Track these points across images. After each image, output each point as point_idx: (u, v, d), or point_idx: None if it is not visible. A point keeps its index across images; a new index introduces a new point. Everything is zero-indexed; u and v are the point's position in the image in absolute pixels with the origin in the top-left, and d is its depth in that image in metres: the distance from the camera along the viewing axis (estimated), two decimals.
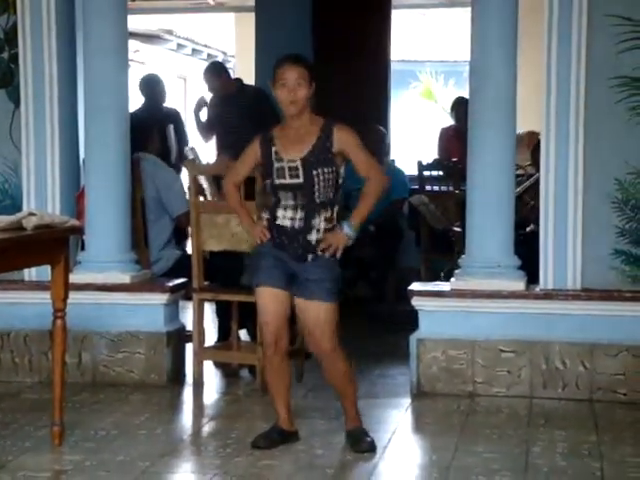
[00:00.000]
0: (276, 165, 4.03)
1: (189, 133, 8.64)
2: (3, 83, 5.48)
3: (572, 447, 4.18)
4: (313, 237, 4.02)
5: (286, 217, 4.02)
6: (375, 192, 4.07)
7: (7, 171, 5.49)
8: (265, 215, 4.10)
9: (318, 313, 4.01)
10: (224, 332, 5.61)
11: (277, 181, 4.03)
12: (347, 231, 4.03)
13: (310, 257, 4.02)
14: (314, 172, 3.98)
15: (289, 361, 4.23)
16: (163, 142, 6.64)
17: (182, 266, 5.41)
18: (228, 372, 5.48)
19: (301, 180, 3.99)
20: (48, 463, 3.98)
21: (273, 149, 4.04)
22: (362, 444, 4.10)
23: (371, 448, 4.10)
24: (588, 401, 4.88)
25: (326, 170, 3.99)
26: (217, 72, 7.65)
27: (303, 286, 4.02)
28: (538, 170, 6.42)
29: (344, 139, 4.02)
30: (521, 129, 5.46)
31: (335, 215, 4.05)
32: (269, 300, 4.06)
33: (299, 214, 4.01)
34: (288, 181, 4.01)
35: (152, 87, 8.23)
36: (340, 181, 4.05)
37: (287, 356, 4.18)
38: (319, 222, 4.02)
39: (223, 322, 5.65)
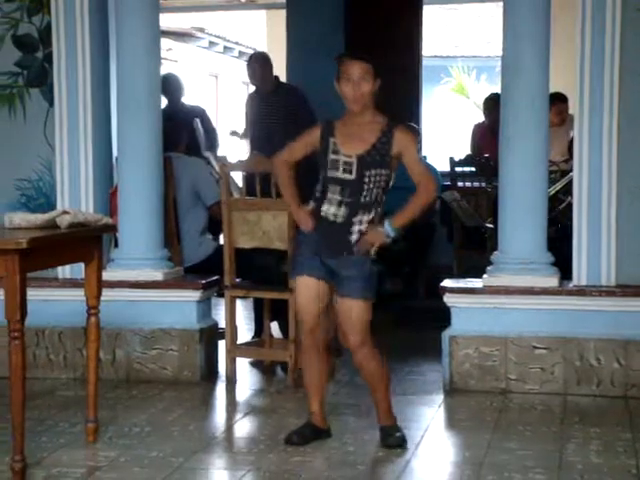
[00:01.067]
0: (331, 157, 4.01)
1: (217, 129, 8.65)
2: (37, 82, 5.52)
3: (607, 444, 4.15)
4: (354, 237, 4.02)
5: (329, 212, 4.01)
6: (423, 201, 4.05)
7: (41, 169, 5.54)
8: (311, 204, 4.08)
9: (349, 309, 4.02)
10: (260, 326, 5.63)
11: (329, 173, 4.01)
12: (387, 230, 4.01)
13: (345, 253, 4.02)
14: (367, 172, 3.97)
15: (327, 355, 4.22)
16: (191, 136, 6.67)
17: (221, 257, 5.43)
18: (264, 369, 5.49)
19: (353, 177, 3.98)
20: (83, 459, 4.01)
21: (332, 140, 4.02)
22: (391, 439, 4.11)
23: (400, 443, 4.10)
24: (623, 398, 4.84)
25: (380, 172, 3.98)
26: (262, 63, 7.61)
27: (338, 282, 4.04)
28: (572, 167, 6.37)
29: (404, 142, 4.00)
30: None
31: (377, 218, 4.04)
32: (307, 289, 4.06)
33: (342, 211, 4.00)
34: (340, 175, 3.99)
35: (173, 86, 8.25)
36: (390, 183, 4.04)
37: (325, 349, 4.17)
38: (361, 222, 4.00)
39: (259, 317, 5.66)
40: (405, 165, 4.03)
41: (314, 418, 4.18)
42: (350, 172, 3.99)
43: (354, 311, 4.02)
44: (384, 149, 3.98)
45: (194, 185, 5.70)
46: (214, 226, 5.94)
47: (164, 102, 8.04)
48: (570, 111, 5.12)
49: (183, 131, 6.04)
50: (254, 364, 5.58)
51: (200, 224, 5.74)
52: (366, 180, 3.98)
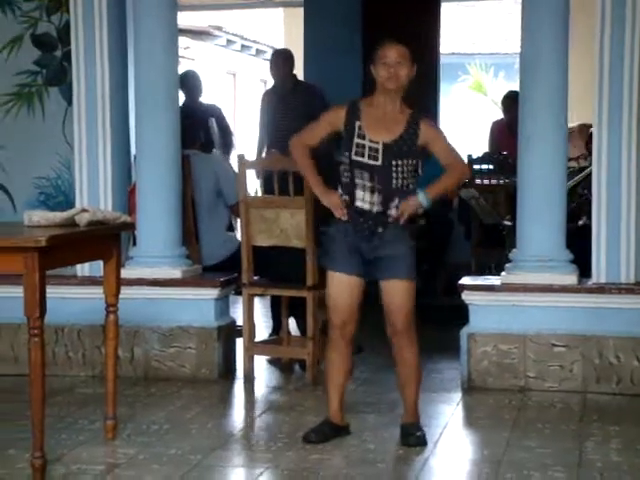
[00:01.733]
0: (356, 140, 4.00)
1: (233, 127, 8.66)
2: (56, 81, 5.55)
3: (626, 443, 4.13)
4: (392, 212, 4.01)
5: (365, 200, 3.99)
6: (457, 175, 4.12)
7: (60, 168, 5.56)
8: (343, 195, 4.04)
9: (395, 291, 4.01)
10: (278, 324, 5.63)
11: (355, 157, 4.00)
12: (422, 199, 4.01)
13: (380, 229, 3.99)
14: (394, 161, 3.97)
15: (352, 353, 4.22)
16: (206, 135, 6.68)
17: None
18: (282, 367, 5.49)
19: (379, 163, 3.98)
20: (102, 456, 4.03)
21: (357, 123, 4.01)
22: (411, 438, 4.09)
23: (420, 442, 4.09)
24: None
25: (406, 161, 3.99)
26: (283, 60, 7.60)
27: (379, 266, 4.02)
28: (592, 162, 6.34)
29: (430, 134, 4.03)
30: (573, 122, 5.40)
31: None
32: (340, 285, 4.05)
33: (377, 198, 3.99)
34: (366, 161, 3.98)
35: (193, 83, 8.26)
36: (420, 172, 4.06)
37: (351, 345, 4.16)
38: (397, 207, 4.00)
39: (277, 314, 5.67)
40: (435, 155, 4.05)
41: (333, 415, 4.18)
42: (376, 159, 3.98)
43: (400, 292, 4.01)
44: (411, 140, 3.99)
45: (215, 183, 5.70)
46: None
47: (182, 98, 8.08)
48: (589, 109, 5.09)
49: (200, 129, 6.05)
50: (272, 362, 5.58)
51: (223, 222, 5.75)
52: (394, 169, 3.98)
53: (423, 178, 4.14)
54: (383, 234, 4.01)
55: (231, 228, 5.98)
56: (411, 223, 4.08)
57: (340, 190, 4.07)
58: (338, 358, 4.14)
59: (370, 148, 3.98)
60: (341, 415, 4.20)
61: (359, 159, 3.99)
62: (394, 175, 3.98)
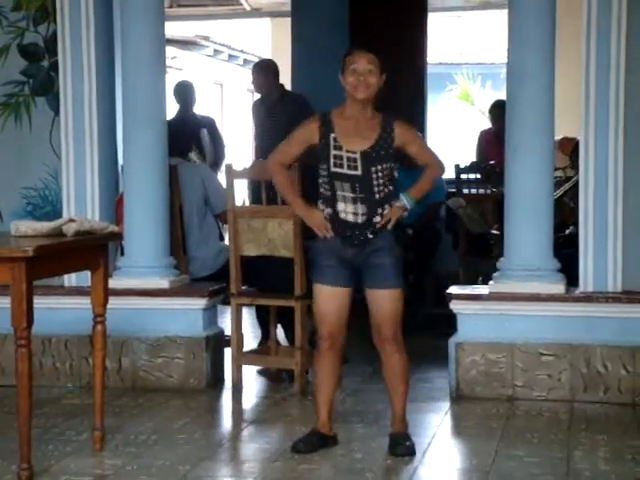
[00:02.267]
0: (334, 152, 3.99)
1: (225, 139, 8.67)
2: (43, 91, 5.54)
3: (615, 452, 4.14)
4: (377, 219, 4.01)
5: (348, 211, 4.00)
6: (434, 174, 4.12)
7: (47, 178, 5.55)
8: (325, 209, 4.04)
9: (383, 300, 4.02)
10: (267, 330, 5.61)
11: (334, 169, 3.99)
12: (404, 202, 4.02)
13: (370, 235, 3.99)
14: (372, 168, 3.97)
15: (341, 364, 4.22)
16: (197, 146, 6.68)
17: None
18: (271, 377, 5.48)
19: (359, 172, 3.97)
20: (89, 467, 4.01)
21: (332, 135, 4.01)
22: (400, 448, 4.09)
23: (409, 452, 4.08)
24: (631, 405, 4.83)
25: (385, 166, 3.99)
26: (263, 71, 7.61)
27: (366, 275, 4.03)
28: (577, 172, 6.37)
29: (405, 135, 4.03)
30: (559, 131, 5.42)
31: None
32: (327, 297, 4.05)
33: (360, 208, 3.99)
34: (346, 171, 3.98)
35: (188, 93, 8.27)
36: (396, 175, 4.05)
37: (339, 356, 4.16)
38: (382, 215, 4.01)
39: (263, 321, 5.64)
40: (411, 155, 4.06)
41: (321, 425, 4.17)
42: (355, 168, 3.98)
43: (388, 301, 4.01)
44: (387, 143, 3.99)
45: (203, 192, 5.69)
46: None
47: (176, 108, 8.10)
48: (576, 118, 5.11)
49: (191, 140, 6.05)
50: (260, 372, 5.57)
51: (214, 231, 5.73)
52: (374, 176, 3.97)
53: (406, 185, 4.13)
54: (373, 241, 4.00)
55: (221, 237, 5.96)
56: (397, 229, 4.07)
57: (321, 203, 4.07)
58: (327, 369, 4.13)
59: (348, 158, 3.98)
60: (330, 425, 4.19)
61: (338, 170, 3.99)
62: (375, 182, 3.98)
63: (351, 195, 3.98)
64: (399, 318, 4.06)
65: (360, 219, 4.00)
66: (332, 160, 3.99)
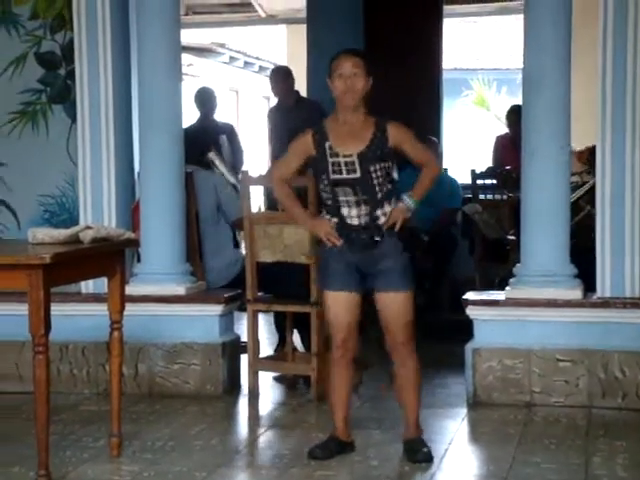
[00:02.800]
0: (331, 160, 4.01)
1: (244, 146, 8.69)
2: (60, 99, 5.57)
3: (633, 458, 4.12)
4: (381, 220, 4.01)
5: (352, 215, 4.01)
6: (431, 176, 4.11)
7: (64, 185, 5.57)
8: (331, 218, 4.05)
9: (392, 303, 4.02)
10: (283, 337, 5.61)
11: (333, 176, 4.01)
12: (407, 202, 4.02)
13: (377, 237, 3.99)
14: (371, 168, 3.98)
15: (354, 369, 4.22)
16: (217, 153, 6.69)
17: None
18: (288, 384, 5.48)
19: (358, 175, 3.98)
20: (106, 474, 4.02)
21: (327, 144, 4.02)
22: (418, 454, 4.08)
23: (427, 458, 4.07)
24: None
25: (382, 165, 3.99)
26: (280, 77, 7.66)
27: (375, 279, 4.03)
28: (594, 176, 6.34)
29: (399, 135, 4.03)
30: (572, 140, 5.42)
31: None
32: (338, 303, 4.06)
33: (363, 209, 4.00)
34: (345, 176, 3.99)
35: (208, 100, 8.31)
36: (395, 175, 4.05)
37: (353, 362, 4.16)
38: (385, 214, 4.02)
39: (281, 327, 5.64)
40: (407, 155, 4.06)
41: (338, 432, 4.17)
42: (354, 171, 3.99)
43: (398, 304, 4.02)
44: (382, 143, 4.00)
45: (216, 200, 5.69)
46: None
47: (196, 115, 8.14)
48: (592, 123, 5.09)
49: (210, 147, 6.05)
50: (277, 378, 5.57)
51: (228, 238, 5.71)
52: (373, 175, 3.98)
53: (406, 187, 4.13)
54: (381, 244, 4.00)
55: (236, 244, 5.96)
56: (402, 231, 4.06)
57: (325, 214, 4.08)
58: (342, 375, 4.13)
59: (346, 163, 3.99)
60: (347, 431, 4.19)
61: (338, 177, 4.00)
62: (375, 182, 3.98)
63: (354, 198, 4.00)
64: (410, 321, 4.06)
65: (363, 220, 4.00)
66: (330, 167, 4.01)
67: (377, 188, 3.99)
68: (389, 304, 4.03)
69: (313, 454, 4.11)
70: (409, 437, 4.15)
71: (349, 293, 4.05)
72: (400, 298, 4.02)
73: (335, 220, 4.05)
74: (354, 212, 4.01)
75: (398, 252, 4.03)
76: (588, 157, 6.55)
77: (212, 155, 5.94)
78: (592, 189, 5.73)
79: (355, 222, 4.01)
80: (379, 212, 4.01)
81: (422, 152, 4.13)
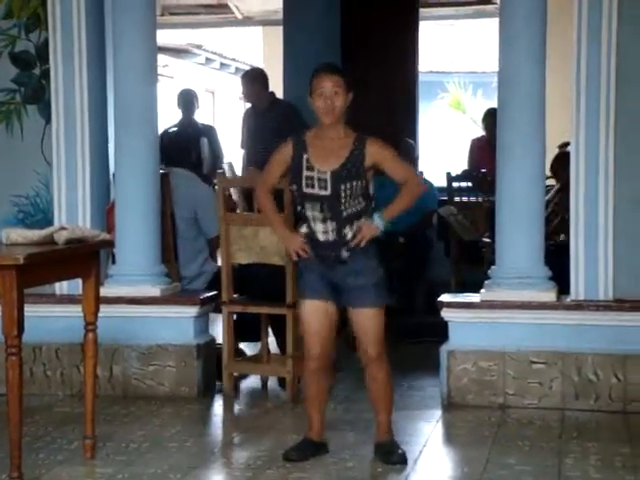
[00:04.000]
0: (306, 173, 4.02)
1: (223, 147, 8.70)
2: (34, 99, 5.53)
3: (606, 459, 4.14)
4: (349, 235, 4.01)
5: (319, 231, 4.02)
6: (412, 194, 4.09)
7: (39, 186, 5.54)
8: (303, 230, 4.08)
9: (364, 320, 4.04)
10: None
11: (305, 190, 4.03)
12: (377, 222, 4.02)
13: (344, 254, 4.00)
14: (342, 186, 3.98)
15: (331, 374, 4.23)
16: (196, 156, 6.68)
17: (219, 279, 5.41)
18: (261, 384, 5.46)
19: (328, 192, 4.00)
20: (80, 476, 4.00)
21: (305, 156, 4.04)
22: (393, 456, 4.09)
23: (402, 460, 4.08)
24: (621, 413, 4.83)
25: (354, 184, 3.99)
26: (250, 80, 7.65)
27: (347, 295, 4.05)
28: (558, 182, 6.39)
29: (378, 153, 4.02)
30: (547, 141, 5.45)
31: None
32: (313, 312, 4.07)
33: (330, 226, 4.02)
34: (316, 192, 4.01)
35: (191, 102, 8.31)
36: (371, 192, 4.05)
37: (330, 369, 4.18)
38: (352, 235, 4.01)
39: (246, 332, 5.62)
40: (387, 173, 4.03)
41: (313, 433, 4.17)
42: (325, 188, 4.00)
43: (370, 321, 4.04)
44: (358, 161, 3.99)
45: (195, 211, 5.63)
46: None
47: (178, 115, 8.12)
48: (567, 124, 5.12)
49: (191, 149, 6.02)
50: (252, 379, 5.56)
51: (203, 254, 5.67)
52: (342, 194, 3.98)
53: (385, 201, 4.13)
54: (351, 262, 4.01)
55: (213, 254, 5.91)
56: (372, 245, 4.07)
57: (301, 224, 4.09)
58: (318, 385, 4.15)
59: (319, 179, 4.00)
60: (321, 433, 4.19)
61: (309, 191, 4.01)
62: (342, 201, 3.98)
63: (320, 215, 4.01)
64: (381, 336, 4.08)
65: (331, 236, 4.01)
66: (304, 181, 4.02)
67: (343, 207, 3.99)
68: (362, 320, 4.05)
69: (288, 456, 4.12)
70: (381, 440, 4.16)
71: (324, 302, 4.06)
72: (371, 314, 4.04)
73: (306, 231, 4.07)
74: (320, 227, 4.03)
75: (370, 269, 4.04)
76: (553, 164, 6.61)
77: (226, 167, 5.88)
78: (557, 194, 5.80)
79: (322, 238, 4.03)
80: (347, 230, 4.01)
81: (403, 170, 4.09)
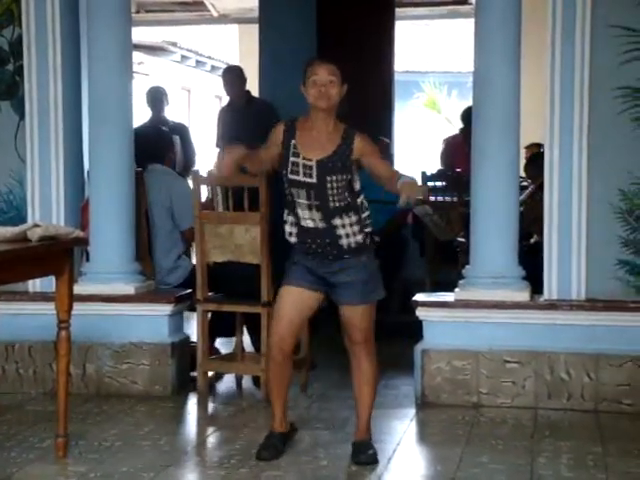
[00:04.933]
0: (292, 159, 4.00)
1: (195, 145, 8.67)
2: (8, 95, 5.49)
3: (577, 458, 4.17)
4: (344, 242, 4.01)
5: (305, 218, 4.01)
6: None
7: (12, 182, 5.50)
8: (290, 218, 4.06)
9: (352, 315, 4.04)
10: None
11: (290, 176, 4.01)
12: (407, 178, 3.87)
13: (337, 266, 4.01)
14: (328, 178, 3.96)
15: (291, 362, 4.21)
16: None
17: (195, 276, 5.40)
18: (235, 383, 5.46)
19: (314, 180, 3.98)
20: (52, 475, 3.98)
21: (293, 142, 4.01)
22: (363, 456, 4.08)
23: (372, 460, 4.08)
24: (593, 412, 4.87)
25: (340, 177, 3.97)
26: (234, 76, 7.66)
27: (336, 291, 4.05)
28: (532, 183, 6.43)
29: (365, 148, 3.99)
30: (523, 141, 5.48)
31: (365, 220, 4.04)
32: (286, 297, 4.06)
33: (317, 215, 4.00)
34: (301, 179, 3.98)
35: (160, 99, 8.28)
36: (357, 188, 4.03)
37: (290, 357, 4.16)
38: (345, 226, 4.00)
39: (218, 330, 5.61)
40: (370, 168, 3.98)
41: (276, 425, 4.18)
42: (310, 176, 3.98)
43: (357, 317, 4.04)
44: (345, 155, 3.98)
45: (172, 202, 5.62)
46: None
47: (147, 113, 8.08)
48: (541, 126, 5.16)
49: (169, 146, 5.98)
50: (226, 378, 5.55)
51: (180, 247, 5.65)
52: (329, 185, 3.97)
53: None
54: (343, 262, 4.00)
55: (186, 252, 5.89)
56: (372, 243, 4.07)
57: (286, 209, 4.08)
58: (280, 373, 4.13)
59: (304, 166, 3.98)
60: (285, 423, 4.20)
61: (295, 177, 4.00)
62: (329, 192, 3.97)
63: (306, 202, 3.99)
64: (370, 327, 4.09)
65: (320, 225, 4.00)
66: (290, 167, 4.00)
67: (331, 198, 3.97)
68: (347, 314, 4.06)
69: (261, 456, 4.11)
70: (356, 439, 4.17)
71: (302, 290, 4.05)
72: (359, 310, 4.05)
73: (292, 218, 4.05)
74: (307, 214, 4.01)
75: (360, 265, 4.03)
76: (527, 165, 6.65)
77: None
78: (532, 196, 5.84)
79: (310, 224, 4.01)
80: (337, 220, 3.99)
81: (386, 166, 4.04)
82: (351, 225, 4.00)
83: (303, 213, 4.01)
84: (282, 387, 4.16)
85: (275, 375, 4.14)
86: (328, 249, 4.02)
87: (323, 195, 3.98)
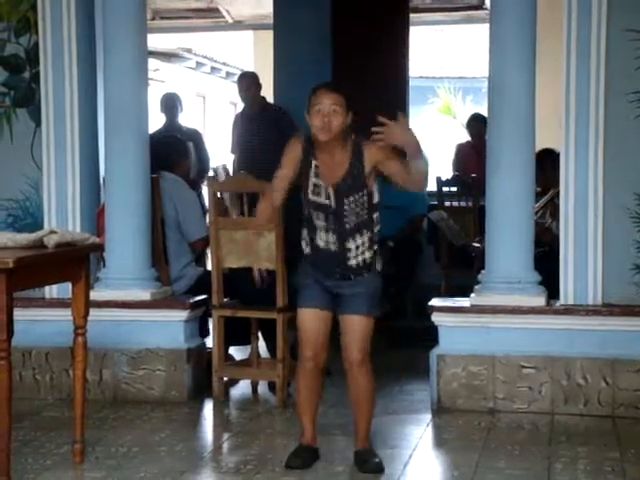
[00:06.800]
0: (313, 180, 3.97)
1: (210, 151, 8.69)
2: (24, 102, 5.52)
3: (594, 464, 4.15)
4: (353, 262, 4.01)
5: (322, 238, 4.00)
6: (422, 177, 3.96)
7: (29, 189, 5.53)
8: (306, 236, 4.05)
9: (353, 326, 4.03)
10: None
11: (312, 197, 3.98)
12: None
13: (344, 283, 4.01)
14: (345, 200, 3.94)
15: (323, 380, 4.22)
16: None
17: (204, 283, 5.41)
18: (251, 388, 5.46)
19: (332, 205, 3.96)
20: None
21: (314, 162, 3.97)
22: (369, 464, 4.05)
23: (378, 469, 4.05)
24: (610, 417, 4.84)
25: (357, 196, 3.95)
26: (249, 82, 7.68)
27: (341, 301, 4.05)
28: (543, 189, 6.38)
29: (376, 155, 3.93)
30: (538, 146, 5.47)
31: (375, 236, 4.01)
32: (309, 319, 4.06)
33: (331, 237, 3.99)
34: (322, 201, 3.96)
35: (173, 105, 8.31)
36: (375, 200, 4.00)
37: (322, 374, 4.16)
38: (355, 247, 3.98)
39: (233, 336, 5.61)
40: (390, 173, 3.93)
41: (310, 440, 4.16)
42: (329, 198, 3.97)
43: (358, 328, 4.02)
44: (357, 171, 3.93)
45: (177, 212, 5.63)
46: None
47: (161, 119, 8.10)
48: (557, 131, 5.15)
49: (182, 154, 5.98)
50: (242, 384, 5.56)
51: (187, 257, 5.65)
52: (346, 208, 3.95)
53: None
54: (350, 279, 4.01)
55: (202, 259, 5.89)
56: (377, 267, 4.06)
57: (305, 228, 4.06)
58: (311, 387, 4.13)
59: (326, 188, 3.96)
60: (316, 438, 4.19)
61: (315, 199, 3.98)
62: (346, 214, 3.95)
63: (323, 224, 3.99)
64: (366, 345, 4.06)
65: (332, 247, 3.99)
66: (310, 187, 3.98)
67: (346, 219, 3.95)
68: (349, 325, 4.04)
69: (290, 463, 4.07)
70: (358, 448, 4.14)
71: (319, 310, 4.05)
72: (359, 321, 4.03)
73: (307, 238, 4.05)
74: (323, 236, 4.00)
75: (369, 279, 4.02)
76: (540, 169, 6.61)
77: (220, 170, 5.84)
78: (547, 205, 5.83)
79: (323, 246, 4.00)
80: (351, 243, 3.98)
81: (401, 163, 3.95)
82: (363, 244, 4.00)
83: (320, 234, 4.00)
84: (314, 403, 4.15)
85: (308, 390, 4.12)
86: (337, 270, 4.01)
87: (340, 218, 3.96)
